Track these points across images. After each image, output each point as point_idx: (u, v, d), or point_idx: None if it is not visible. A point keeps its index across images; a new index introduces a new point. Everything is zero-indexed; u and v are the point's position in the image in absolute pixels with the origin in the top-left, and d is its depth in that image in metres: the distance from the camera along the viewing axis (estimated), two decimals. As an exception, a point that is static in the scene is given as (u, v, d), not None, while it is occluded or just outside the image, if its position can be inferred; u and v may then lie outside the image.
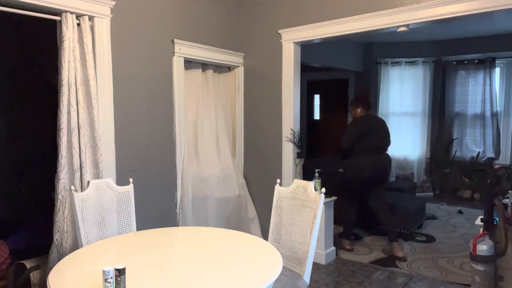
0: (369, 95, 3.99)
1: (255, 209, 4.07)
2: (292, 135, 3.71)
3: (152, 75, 3.17)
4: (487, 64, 6.55)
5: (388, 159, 3.93)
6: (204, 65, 3.77)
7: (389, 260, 3.88)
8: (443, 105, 7.03)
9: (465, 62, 6.78)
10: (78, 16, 2.61)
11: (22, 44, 4.18)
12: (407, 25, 3.08)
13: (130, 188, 2.61)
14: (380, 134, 3.86)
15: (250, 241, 2.14)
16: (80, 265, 1.83)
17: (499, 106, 6.58)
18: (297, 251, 2.33)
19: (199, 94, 3.68)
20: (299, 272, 2.27)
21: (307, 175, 3.89)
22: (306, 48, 3.93)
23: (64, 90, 2.51)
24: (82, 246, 2.27)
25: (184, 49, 3.39)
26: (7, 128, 4.24)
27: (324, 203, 3.57)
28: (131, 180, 2.64)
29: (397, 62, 7.05)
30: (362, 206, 4.24)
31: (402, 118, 7.11)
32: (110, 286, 1.50)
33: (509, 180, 5.30)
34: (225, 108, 4.02)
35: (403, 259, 3.86)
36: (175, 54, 3.33)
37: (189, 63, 3.60)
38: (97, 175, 2.67)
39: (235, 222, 3.87)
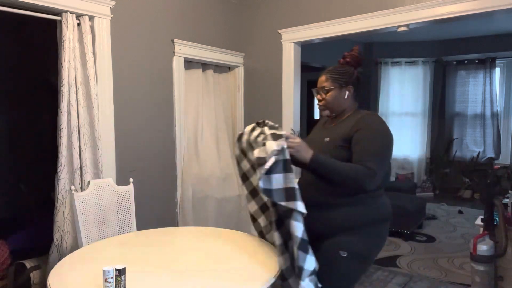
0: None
1: (255, 209, 4.06)
2: (292, 135, 3.71)
3: (152, 75, 3.17)
4: (487, 64, 6.55)
5: None
6: (204, 65, 3.77)
7: (389, 260, 3.88)
8: (443, 105, 7.03)
9: (465, 62, 6.78)
10: (78, 16, 2.61)
11: (22, 44, 4.18)
12: (407, 25, 3.08)
13: (130, 188, 2.60)
14: None
15: (250, 241, 2.14)
16: (80, 265, 1.83)
17: (499, 106, 6.58)
18: (297, 251, 2.32)
19: (199, 94, 3.68)
20: (299, 272, 2.27)
21: (307, 175, 3.89)
22: (306, 48, 3.93)
23: (64, 90, 2.51)
24: (82, 246, 2.26)
25: (184, 49, 3.39)
26: (7, 128, 4.24)
27: (324, 203, 3.56)
28: (131, 180, 2.64)
29: (397, 62, 7.05)
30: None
31: (402, 118, 7.11)
32: (110, 286, 1.50)
33: (509, 180, 5.30)
34: (225, 108, 4.02)
35: None
36: (175, 54, 3.33)
37: (189, 63, 3.60)
38: (97, 175, 2.67)
39: (235, 222, 3.87)
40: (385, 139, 1.77)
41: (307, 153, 1.69)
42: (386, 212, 1.84)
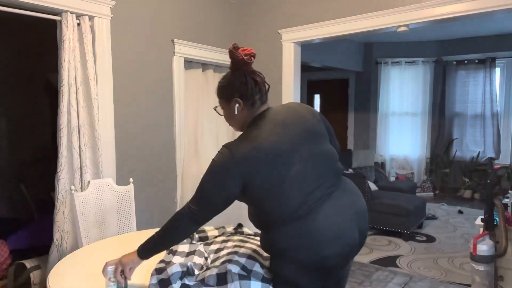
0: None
1: (255, 209, 4.06)
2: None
3: (152, 75, 3.17)
4: (487, 64, 6.55)
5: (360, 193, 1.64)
6: (204, 65, 3.77)
7: (389, 260, 3.88)
8: (443, 105, 7.03)
9: (465, 62, 6.78)
10: (78, 16, 2.61)
11: (22, 44, 4.18)
12: (407, 25, 3.08)
13: (130, 188, 2.60)
14: (325, 137, 1.61)
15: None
16: (80, 265, 1.83)
17: (499, 106, 6.58)
18: (297, 251, 2.32)
19: (199, 94, 3.68)
20: (299, 272, 2.26)
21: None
22: (306, 48, 3.93)
23: (64, 90, 2.51)
24: (82, 246, 2.26)
25: (184, 49, 3.39)
26: (7, 128, 4.24)
27: (324, 203, 3.56)
28: (131, 180, 2.64)
29: (397, 62, 7.05)
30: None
31: (402, 118, 7.12)
32: (113, 285, 1.50)
33: (509, 180, 5.30)
34: (225, 108, 4.02)
35: None
36: (175, 54, 3.33)
37: (189, 63, 3.60)
38: (97, 175, 2.67)
39: (235, 221, 3.86)
40: (210, 173, 1.47)
41: (132, 256, 1.51)
42: (287, 243, 1.48)
